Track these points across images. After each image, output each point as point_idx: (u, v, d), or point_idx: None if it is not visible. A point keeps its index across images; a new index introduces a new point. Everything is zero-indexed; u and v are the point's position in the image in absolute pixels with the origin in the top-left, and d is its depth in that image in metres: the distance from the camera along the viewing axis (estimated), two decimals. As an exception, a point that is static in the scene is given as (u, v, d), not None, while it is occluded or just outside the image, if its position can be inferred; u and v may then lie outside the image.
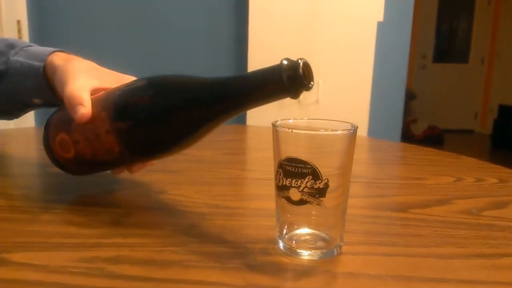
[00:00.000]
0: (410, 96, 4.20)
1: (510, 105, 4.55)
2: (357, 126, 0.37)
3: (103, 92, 0.47)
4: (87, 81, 0.48)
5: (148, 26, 2.40)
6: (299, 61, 0.35)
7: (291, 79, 0.34)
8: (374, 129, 2.31)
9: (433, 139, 4.60)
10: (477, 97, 5.46)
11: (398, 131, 2.58)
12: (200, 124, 0.41)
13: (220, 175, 0.64)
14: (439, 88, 5.41)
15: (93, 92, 0.47)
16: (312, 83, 0.36)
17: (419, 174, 0.67)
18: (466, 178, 0.65)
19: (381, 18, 2.25)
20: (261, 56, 2.14)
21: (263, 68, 0.36)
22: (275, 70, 0.35)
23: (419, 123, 4.80)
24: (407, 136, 4.35)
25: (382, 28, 2.26)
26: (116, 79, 0.50)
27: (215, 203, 0.50)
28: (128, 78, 0.51)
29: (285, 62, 0.35)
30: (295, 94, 0.35)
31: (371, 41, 2.23)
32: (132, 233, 0.41)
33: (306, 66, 0.36)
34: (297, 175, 0.35)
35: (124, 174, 0.50)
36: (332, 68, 2.20)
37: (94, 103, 0.45)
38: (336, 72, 2.20)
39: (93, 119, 0.44)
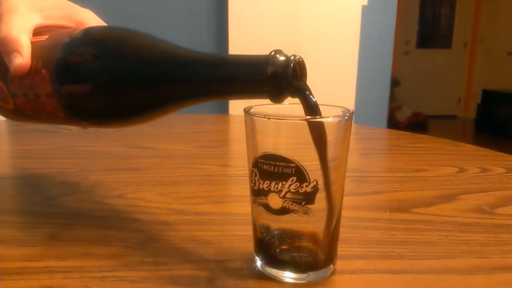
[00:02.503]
0: (394, 83, 4.16)
1: (493, 90, 4.55)
2: (352, 111, 0.29)
3: (46, 37, 0.36)
4: (28, 17, 0.37)
5: (125, 10, 2.27)
6: (292, 57, 0.27)
7: (275, 77, 0.27)
8: (360, 116, 2.23)
9: (418, 125, 4.59)
10: (461, 82, 5.46)
11: (384, 118, 2.52)
12: (156, 102, 0.32)
13: (192, 172, 0.56)
14: (422, 73, 5.38)
15: (36, 31, 0.37)
16: None
17: (417, 165, 0.60)
18: (469, 168, 0.58)
19: (365, 2, 2.18)
20: (241, 43, 2.03)
21: (247, 55, 0.28)
22: (260, 61, 0.27)
23: (404, 110, 4.77)
24: (392, 123, 4.32)
25: (366, 12, 2.19)
26: (65, 14, 0.40)
27: (182, 208, 0.42)
28: (81, 12, 0.41)
29: (276, 55, 0.27)
30: (277, 97, 0.28)
31: (356, 25, 2.16)
32: (70, 252, 0.32)
33: (300, 65, 0.28)
34: (277, 177, 0.27)
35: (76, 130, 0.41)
36: (317, 53, 2.11)
37: (34, 52, 0.35)
38: (321, 57, 2.12)
39: (32, 74, 0.35)
